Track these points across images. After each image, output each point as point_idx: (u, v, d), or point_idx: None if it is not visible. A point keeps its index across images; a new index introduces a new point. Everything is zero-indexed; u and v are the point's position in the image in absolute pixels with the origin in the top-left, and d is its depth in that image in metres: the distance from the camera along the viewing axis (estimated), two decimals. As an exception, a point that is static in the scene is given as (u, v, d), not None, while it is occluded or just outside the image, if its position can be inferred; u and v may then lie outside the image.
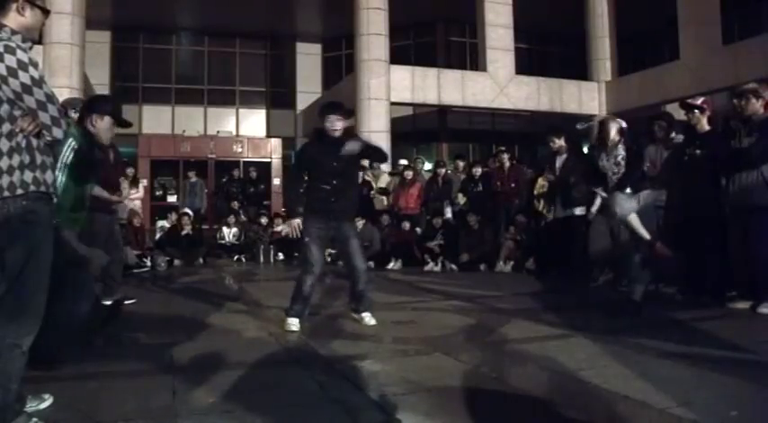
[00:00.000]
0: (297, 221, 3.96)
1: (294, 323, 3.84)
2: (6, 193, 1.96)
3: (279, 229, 10.20)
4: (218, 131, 17.38)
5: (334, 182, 3.90)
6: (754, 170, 4.27)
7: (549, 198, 6.96)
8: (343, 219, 3.99)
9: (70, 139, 3.33)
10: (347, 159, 3.93)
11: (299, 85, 20.13)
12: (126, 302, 4.74)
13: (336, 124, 3.92)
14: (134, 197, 8.48)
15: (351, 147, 3.89)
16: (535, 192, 7.85)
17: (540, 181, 7.71)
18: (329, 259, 5.12)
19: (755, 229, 4.27)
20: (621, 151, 4.60)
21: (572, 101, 15.51)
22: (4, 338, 1.97)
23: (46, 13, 2.21)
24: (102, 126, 3.40)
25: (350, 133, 4.12)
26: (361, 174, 9.94)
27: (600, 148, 4.86)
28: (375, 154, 4.26)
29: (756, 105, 4.32)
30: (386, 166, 3.80)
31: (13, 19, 2.09)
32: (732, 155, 4.43)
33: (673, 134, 5.64)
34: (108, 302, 4.62)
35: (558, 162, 6.38)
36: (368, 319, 4.04)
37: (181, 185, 13.69)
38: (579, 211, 5.90)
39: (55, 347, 2.92)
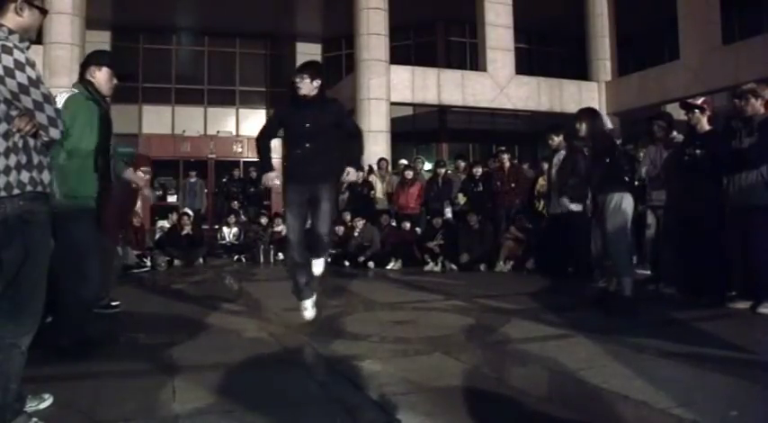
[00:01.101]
0: (273, 174, 3.83)
1: (307, 306, 3.80)
2: (3, 194, 1.96)
3: (279, 229, 10.21)
4: (218, 131, 17.38)
5: (307, 145, 3.73)
6: (753, 170, 4.27)
7: (547, 195, 6.96)
8: (320, 182, 3.77)
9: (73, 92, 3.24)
10: (321, 121, 3.76)
11: (299, 85, 20.09)
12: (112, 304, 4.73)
13: (302, 84, 3.72)
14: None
15: (351, 177, 3.86)
16: (535, 192, 7.85)
17: (541, 181, 7.72)
18: (329, 260, 5.04)
19: (755, 229, 4.27)
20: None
21: (572, 101, 15.47)
22: (3, 339, 1.97)
23: (44, 13, 2.21)
24: (101, 77, 3.33)
25: (325, 95, 3.91)
26: (361, 174, 9.95)
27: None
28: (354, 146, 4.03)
29: (756, 105, 4.32)
30: (354, 175, 3.68)
31: (11, 19, 2.09)
32: (732, 155, 4.43)
33: (674, 133, 5.64)
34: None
35: (556, 159, 6.38)
36: (316, 266, 3.89)
37: (181, 185, 13.69)
38: (575, 207, 5.88)
39: (65, 332, 2.95)
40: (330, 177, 3.87)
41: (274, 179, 3.86)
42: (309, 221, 3.96)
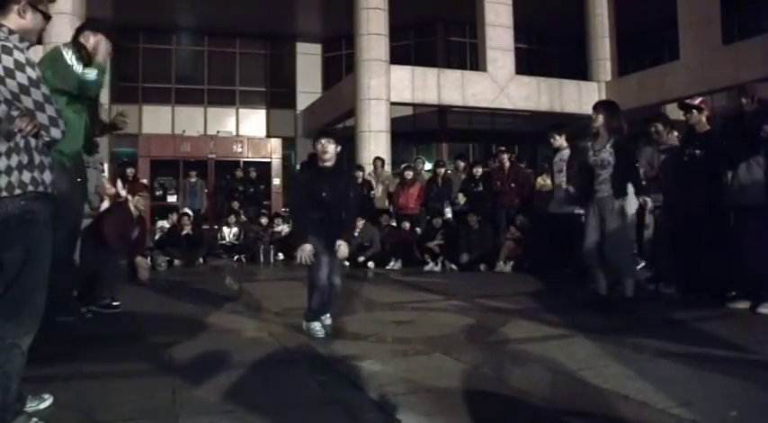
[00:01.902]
0: (309, 247, 3.67)
1: (318, 325, 3.69)
2: (5, 194, 1.96)
3: (279, 229, 10.21)
4: (218, 131, 17.37)
5: (323, 213, 3.80)
6: (744, 170, 4.28)
7: (549, 195, 6.96)
8: (335, 240, 3.80)
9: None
10: (336, 192, 3.83)
11: (299, 85, 20.13)
12: (113, 304, 4.71)
13: (328, 147, 3.75)
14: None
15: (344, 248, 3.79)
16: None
17: (540, 180, 7.73)
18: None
19: (749, 229, 4.28)
20: (609, 149, 4.42)
21: (572, 101, 15.50)
22: (4, 339, 1.97)
23: (47, 18, 2.21)
24: (95, 42, 3.20)
25: (341, 165, 4.01)
26: (360, 174, 9.97)
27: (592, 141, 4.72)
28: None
29: (747, 104, 4.34)
30: (344, 251, 3.79)
31: (14, 20, 2.09)
32: (723, 154, 4.45)
33: (675, 134, 5.63)
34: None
35: (558, 158, 6.37)
36: (325, 321, 3.84)
37: (181, 185, 13.68)
38: (575, 208, 5.86)
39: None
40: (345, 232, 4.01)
41: (309, 254, 3.69)
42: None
